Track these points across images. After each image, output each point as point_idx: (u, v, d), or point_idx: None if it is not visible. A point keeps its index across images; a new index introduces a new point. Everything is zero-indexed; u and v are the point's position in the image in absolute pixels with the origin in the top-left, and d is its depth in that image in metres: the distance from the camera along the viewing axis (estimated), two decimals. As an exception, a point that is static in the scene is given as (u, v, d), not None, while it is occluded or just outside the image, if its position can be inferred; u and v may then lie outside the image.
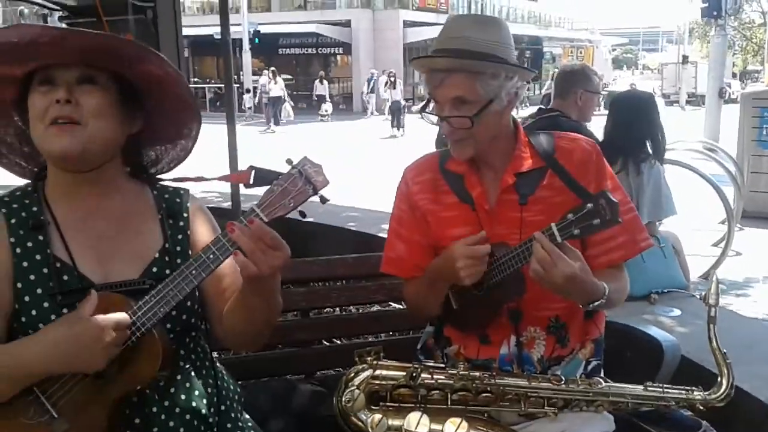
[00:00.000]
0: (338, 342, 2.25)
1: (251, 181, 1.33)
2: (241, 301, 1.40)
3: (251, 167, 1.34)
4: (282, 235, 1.29)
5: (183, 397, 1.41)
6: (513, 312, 1.64)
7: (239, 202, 4.29)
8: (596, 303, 1.52)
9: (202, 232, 1.51)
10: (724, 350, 1.61)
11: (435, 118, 1.65)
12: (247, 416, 1.61)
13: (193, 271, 1.28)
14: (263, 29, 27.21)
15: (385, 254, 1.81)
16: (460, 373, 1.59)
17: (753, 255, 6.03)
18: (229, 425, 1.49)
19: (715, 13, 14.47)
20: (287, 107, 22.35)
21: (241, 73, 25.82)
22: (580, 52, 35.21)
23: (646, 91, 3.64)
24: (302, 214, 1.32)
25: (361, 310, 2.48)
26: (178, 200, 1.53)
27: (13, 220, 1.37)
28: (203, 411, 1.42)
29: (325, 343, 2.11)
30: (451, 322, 1.74)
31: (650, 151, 3.29)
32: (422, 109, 1.66)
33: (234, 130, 4.51)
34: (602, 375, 1.73)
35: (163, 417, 1.37)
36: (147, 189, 1.52)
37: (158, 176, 1.57)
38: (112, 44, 1.35)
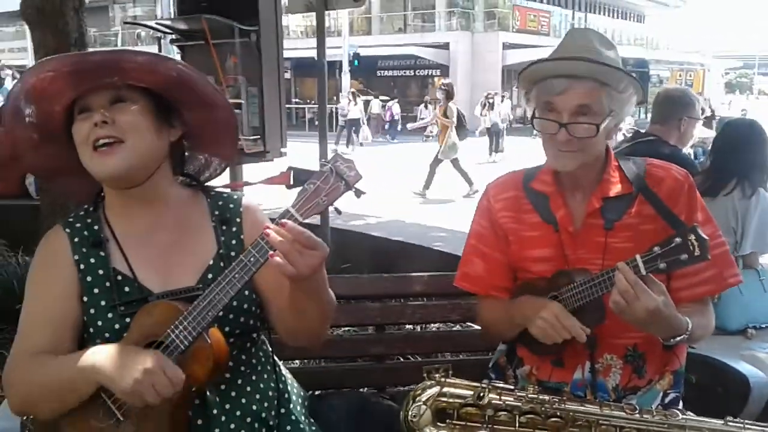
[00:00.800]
0: (411, 359, 2.27)
1: (291, 182, 1.37)
2: (291, 301, 1.43)
3: (290, 168, 1.36)
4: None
5: (243, 400, 1.47)
6: (590, 338, 1.60)
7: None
8: (678, 338, 1.49)
9: (257, 233, 1.56)
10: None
11: (550, 127, 1.59)
12: (312, 422, 1.64)
13: (236, 275, 1.32)
14: (363, 51, 27.82)
15: (461, 269, 1.81)
16: (529, 395, 1.56)
17: None
18: (289, 427, 1.53)
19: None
20: (365, 129, 22.03)
21: (341, 94, 26.44)
22: (689, 76, 33.82)
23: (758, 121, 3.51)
24: (338, 211, 1.36)
25: (435, 328, 2.48)
26: (231, 205, 1.58)
27: (76, 239, 1.47)
28: (263, 414, 1.47)
29: (398, 358, 2.12)
30: (525, 343, 1.72)
31: (763, 178, 3.16)
32: (532, 119, 1.64)
33: (326, 148, 4.66)
34: (680, 408, 1.66)
35: (223, 419, 1.43)
36: (201, 196, 1.59)
37: (208, 183, 1.63)
38: (124, 57, 1.41)
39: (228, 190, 1.63)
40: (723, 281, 1.63)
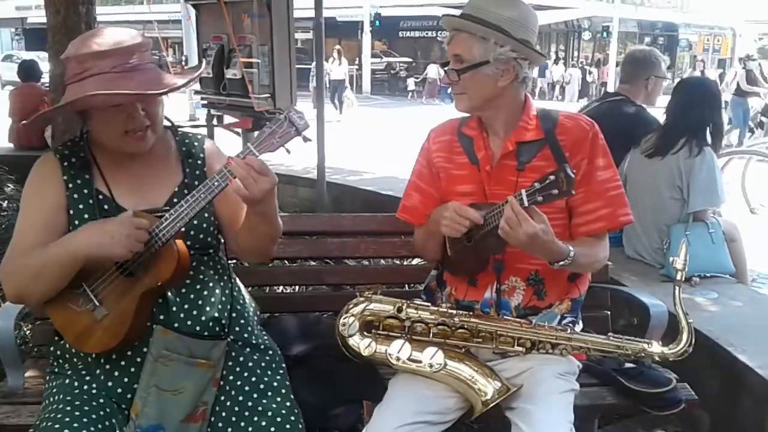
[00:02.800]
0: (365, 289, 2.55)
1: (250, 126, 1.68)
2: (247, 222, 1.76)
3: (249, 115, 1.68)
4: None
5: (200, 302, 1.76)
6: (498, 263, 1.87)
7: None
8: (561, 262, 1.74)
9: (217, 167, 1.81)
10: (687, 311, 1.77)
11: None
12: (261, 329, 1.95)
13: (201, 195, 1.63)
14: (385, 12, 27.66)
15: (402, 203, 2.08)
16: (440, 310, 1.85)
17: None
18: (237, 328, 1.83)
19: None
20: (349, 94, 19.36)
21: (362, 55, 26.45)
22: (717, 41, 33.16)
23: (712, 78, 3.62)
24: (287, 150, 1.64)
25: (387, 262, 2.76)
26: (195, 143, 1.89)
27: (65, 163, 1.75)
28: (216, 314, 1.77)
29: (354, 288, 2.41)
30: (448, 268, 2.00)
31: (709, 138, 3.30)
32: (443, 65, 1.91)
33: (322, 108, 4.92)
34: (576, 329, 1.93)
35: (181, 315, 1.73)
36: (170, 135, 1.89)
37: (178, 126, 1.93)
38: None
39: (191, 131, 1.94)
40: (615, 219, 1.87)
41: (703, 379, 2.40)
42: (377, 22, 26.98)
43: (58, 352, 1.78)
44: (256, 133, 1.63)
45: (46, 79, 7.70)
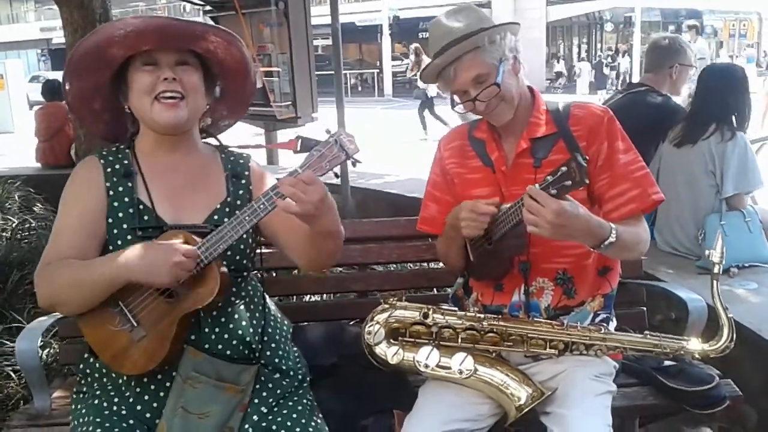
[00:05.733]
0: (390, 294, 2.50)
1: (298, 148, 1.62)
2: (310, 242, 1.68)
3: (298, 136, 1.62)
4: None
5: (231, 325, 1.72)
6: (523, 264, 1.81)
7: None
8: (606, 242, 1.62)
9: (263, 189, 1.77)
10: (726, 306, 1.69)
11: (468, 106, 1.80)
12: (294, 348, 1.90)
13: (247, 217, 1.58)
14: (403, 14, 27.66)
15: (420, 214, 2.04)
16: (468, 314, 1.79)
17: None
18: (269, 353, 1.78)
19: None
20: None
21: (383, 58, 26.48)
22: (743, 25, 32.51)
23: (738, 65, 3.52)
24: (336, 174, 1.60)
25: (411, 267, 2.71)
26: (241, 161, 1.84)
27: (108, 169, 1.73)
28: (248, 338, 1.73)
29: (378, 294, 2.36)
30: (473, 274, 1.94)
31: (735, 123, 3.22)
32: (453, 106, 1.85)
33: (342, 110, 4.89)
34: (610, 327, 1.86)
35: (213, 338, 1.69)
36: (216, 152, 1.85)
37: (226, 145, 1.88)
38: (208, 31, 1.71)
39: (237, 150, 1.89)
40: (648, 198, 1.78)
41: (746, 374, 2.31)
42: (393, 26, 26.88)
43: (88, 371, 1.75)
44: (304, 155, 1.57)
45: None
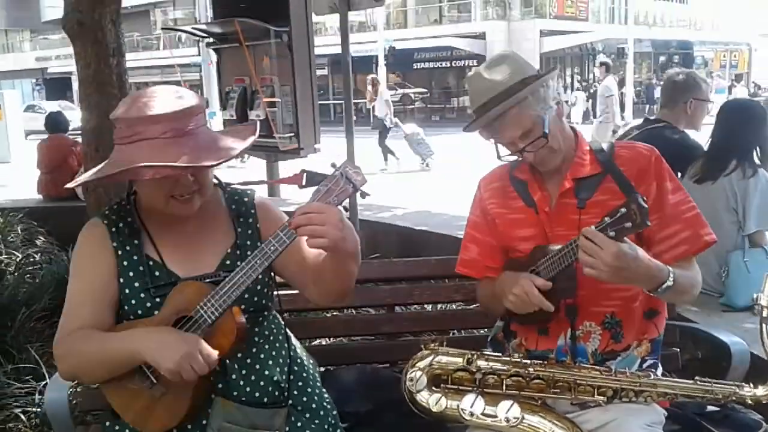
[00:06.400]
0: (420, 336, 2.45)
1: (304, 183, 1.58)
2: (332, 268, 1.63)
3: (303, 171, 1.59)
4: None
5: (257, 366, 1.68)
6: (570, 308, 1.77)
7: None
8: (664, 285, 1.59)
9: (272, 225, 1.71)
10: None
11: (515, 156, 1.79)
12: (323, 389, 1.84)
13: (258, 261, 1.54)
14: (399, 45, 27.92)
15: (460, 256, 2.00)
16: (513, 360, 1.74)
17: None
18: (296, 392, 1.73)
19: None
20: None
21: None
22: (734, 56, 33.02)
23: (756, 100, 3.53)
24: (345, 208, 1.56)
25: (442, 308, 2.66)
26: (246, 199, 1.80)
27: (113, 229, 1.69)
28: (275, 377, 1.68)
29: (408, 336, 2.31)
30: (516, 318, 1.89)
31: (758, 160, 3.21)
32: (499, 156, 1.83)
33: (352, 141, 4.88)
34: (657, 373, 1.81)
35: (241, 383, 1.64)
36: (219, 192, 1.80)
37: (228, 183, 1.84)
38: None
39: (240, 187, 1.85)
40: (700, 239, 1.76)
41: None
42: (388, 56, 27.05)
43: (116, 427, 1.69)
44: (310, 189, 1.55)
45: (72, 124, 7.82)
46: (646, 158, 1.79)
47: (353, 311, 2.46)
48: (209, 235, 1.73)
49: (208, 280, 1.63)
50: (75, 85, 25.29)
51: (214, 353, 1.52)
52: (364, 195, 1.57)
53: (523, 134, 1.72)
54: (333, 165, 1.55)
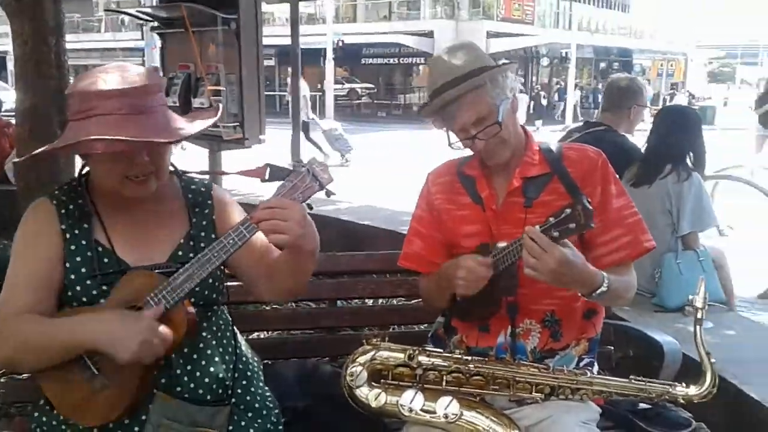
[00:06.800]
0: (363, 331, 2.44)
1: (267, 177, 1.54)
2: (289, 266, 1.61)
3: (267, 164, 1.54)
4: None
5: (203, 362, 1.63)
6: (510, 305, 1.79)
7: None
8: (599, 291, 1.62)
9: (228, 218, 1.71)
10: (709, 351, 1.71)
11: (466, 143, 1.78)
12: (266, 387, 1.81)
13: (215, 254, 1.50)
14: (348, 39, 27.83)
15: (404, 250, 1.99)
16: (454, 356, 1.75)
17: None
18: (240, 391, 1.69)
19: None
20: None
21: (325, 81, 26.52)
22: (671, 65, 34.14)
23: (692, 107, 3.68)
24: (309, 206, 1.53)
25: (384, 303, 2.66)
26: (203, 190, 1.75)
27: (62, 211, 1.61)
28: (221, 375, 1.63)
29: (350, 330, 2.30)
30: (457, 314, 1.90)
31: (691, 165, 3.33)
32: (449, 144, 1.82)
33: (299, 133, 4.83)
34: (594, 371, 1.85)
35: (185, 379, 1.59)
36: (175, 180, 1.74)
37: (185, 171, 1.78)
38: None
39: (199, 177, 1.79)
40: (640, 245, 1.80)
41: (710, 415, 2.34)
42: (339, 50, 27.02)
43: (44, 419, 1.61)
44: (273, 184, 1.52)
45: (6, 105, 7.48)
46: (593, 161, 1.82)
47: (293, 305, 2.43)
48: (163, 224, 1.67)
49: (159, 270, 1.58)
50: (10, 65, 24.30)
51: (170, 334, 1.47)
52: (329, 193, 1.55)
53: (477, 120, 1.72)
54: (299, 161, 1.52)
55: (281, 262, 1.62)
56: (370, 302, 2.52)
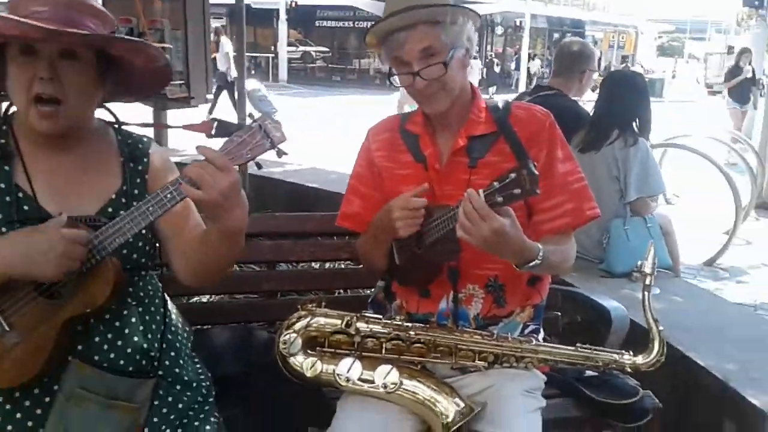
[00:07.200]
0: (305, 295, 2.33)
1: (213, 132, 1.42)
2: (205, 240, 1.48)
3: (213, 119, 1.43)
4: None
5: (126, 331, 1.48)
6: (452, 270, 1.70)
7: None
8: (532, 263, 1.54)
9: (163, 176, 1.56)
10: (657, 318, 1.66)
11: (406, 80, 1.64)
12: (194, 354, 1.69)
13: (150, 208, 1.36)
14: (301, 1, 27.21)
15: (342, 209, 1.87)
16: (394, 323, 1.66)
17: (762, 245, 5.96)
18: (168, 362, 1.56)
19: (756, 2, 14.00)
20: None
21: (278, 43, 25.97)
22: (622, 38, 34.51)
23: (638, 71, 3.67)
24: (258, 165, 1.41)
25: (329, 266, 2.55)
26: (140, 146, 1.60)
27: None
28: (145, 346, 1.50)
29: (292, 295, 2.19)
30: (397, 278, 1.80)
31: (636, 129, 3.30)
32: (388, 77, 1.69)
33: (244, 94, 4.66)
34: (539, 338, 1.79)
35: (105, 347, 1.45)
36: (111, 132, 1.59)
37: (123, 123, 1.62)
38: (100, 44, 1.42)
39: (138, 131, 1.64)
40: (582, 213, 1.72)
41: (654, 382, 2.33)
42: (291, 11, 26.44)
43: None
44: (222, 140, 1.38)
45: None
46: (540, 122, 1.72)
47: (236, 267, 2.29)
48: (94, 175, 1.52)
49: (87, 223, 1.42)
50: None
51: (83, 232, 1.34)
52: (281, 153, 1.42)
53: (424, 52, 1.60)
54: (250, 116, 1.40)
55: (197, 238, 1.50)
56: (316, 266, 2.40)
